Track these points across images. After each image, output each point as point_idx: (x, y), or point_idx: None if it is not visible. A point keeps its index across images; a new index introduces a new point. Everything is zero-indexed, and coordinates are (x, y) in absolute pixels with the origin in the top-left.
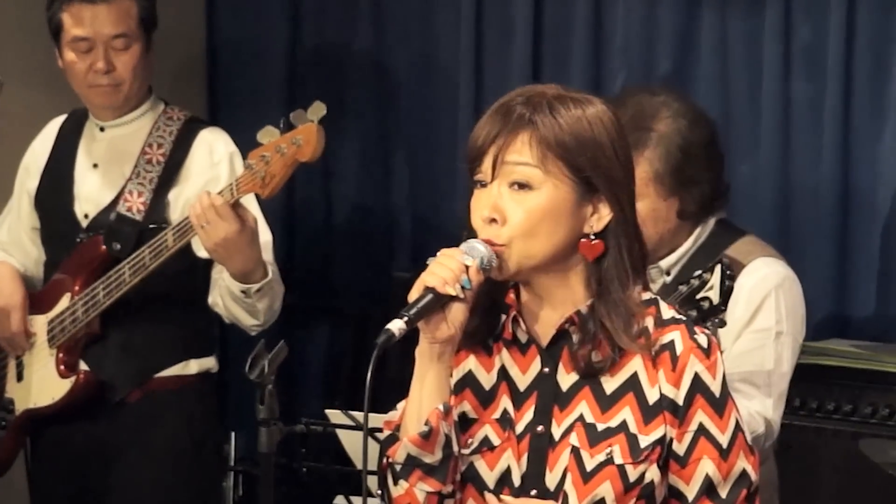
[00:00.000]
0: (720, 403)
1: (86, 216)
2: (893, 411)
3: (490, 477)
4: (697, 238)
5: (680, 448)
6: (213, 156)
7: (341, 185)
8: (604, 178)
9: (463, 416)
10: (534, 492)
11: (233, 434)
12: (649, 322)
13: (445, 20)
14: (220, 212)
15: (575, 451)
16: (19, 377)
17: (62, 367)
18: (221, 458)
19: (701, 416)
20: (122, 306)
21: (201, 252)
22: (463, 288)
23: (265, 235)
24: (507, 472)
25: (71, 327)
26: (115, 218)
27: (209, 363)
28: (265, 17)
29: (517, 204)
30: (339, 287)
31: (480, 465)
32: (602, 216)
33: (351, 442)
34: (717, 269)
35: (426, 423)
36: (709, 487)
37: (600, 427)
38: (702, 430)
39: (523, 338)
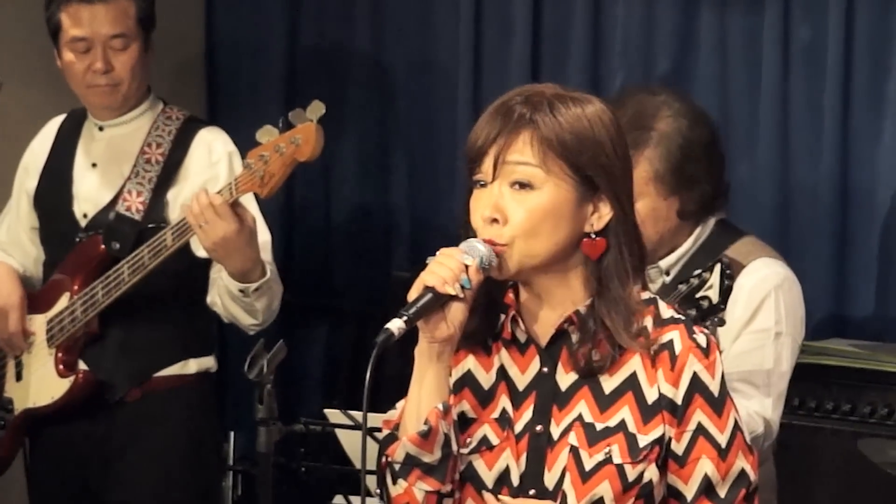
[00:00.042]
0: (719, 403)
1: (85, 216)
2: (892, 411)
3: (489, 476)
4: (697, 238)
5: (678, 448)
6: (212, 155)
7: (340, 185)
8: (604, 177)
9: (462, 415)
10: (532, 491)
11: (231, 434)
12: (648, 321)
13: (444, 20)
14: (218, 211)
15: (574, 451)
16: (18, 377)
17: (61, 366)
18: (220, 458)
19: (699, 415)
20: (121, 306)
21: (200, 252)
22: (463, 287)
23: (264, 235)
24: (505, 472)
25: (70, 327)
26: (114, 217)
27: (208, 363)
28: (264, 16)
29: (518, 204)
30: (338, 286)
31: (479, 464)
32: (602, 215)
33: (350, 441)
34: (717, 268)
35: (425, 423)
36: (707, 487)
37: (599, 427)
38: (700, 430)
39: (522, 337)
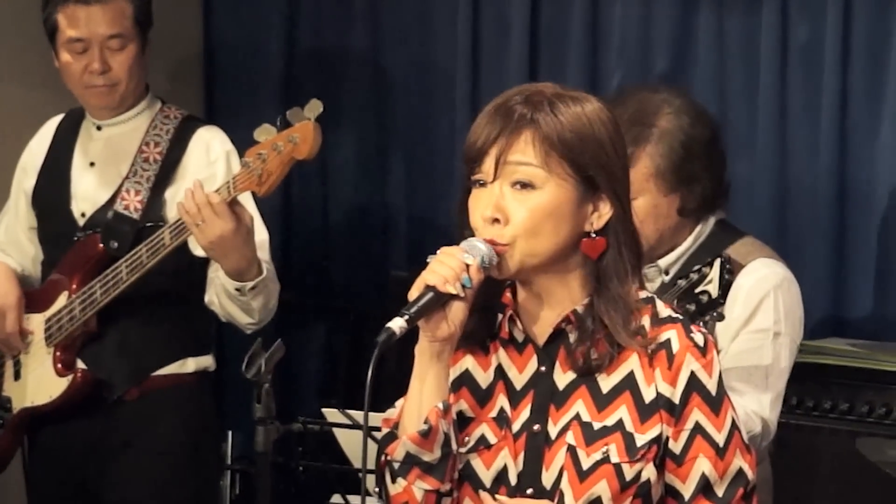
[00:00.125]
0: (716, 402)
1: (83, 215)
2: (890, 410)
3: (486, 475)
4: (697, 237)
5: (676, 447)
6: (210, 154)
7: (338, 184)
8: (604, 176)
9: (460, 414)
10: (530, 490)
11: (230, 433)
12: (646, 320)
13: (442, 20)
14: (216, 210)
15: (571, 450)
16: (17, 376)
17: (59, 365)
18: (218, 457)
19: (697, 414)
20: (120, 305)
21: (198, 250)
22: (463, 286)
23: (261, 234)
24: (503, 471)
25: (68, 326)
26: (113, 216)
27: (206, 362)
28: (262, 16)
29: (520, 203)
30: (336, 286)
31: (477, 463)
32: (602, 214)
33: (348, 441)
34: (717, 263)
35: (426, 422)
36: (705, 486)
37: (597, 426)
38: (698, 429)
39: (520, 337)
